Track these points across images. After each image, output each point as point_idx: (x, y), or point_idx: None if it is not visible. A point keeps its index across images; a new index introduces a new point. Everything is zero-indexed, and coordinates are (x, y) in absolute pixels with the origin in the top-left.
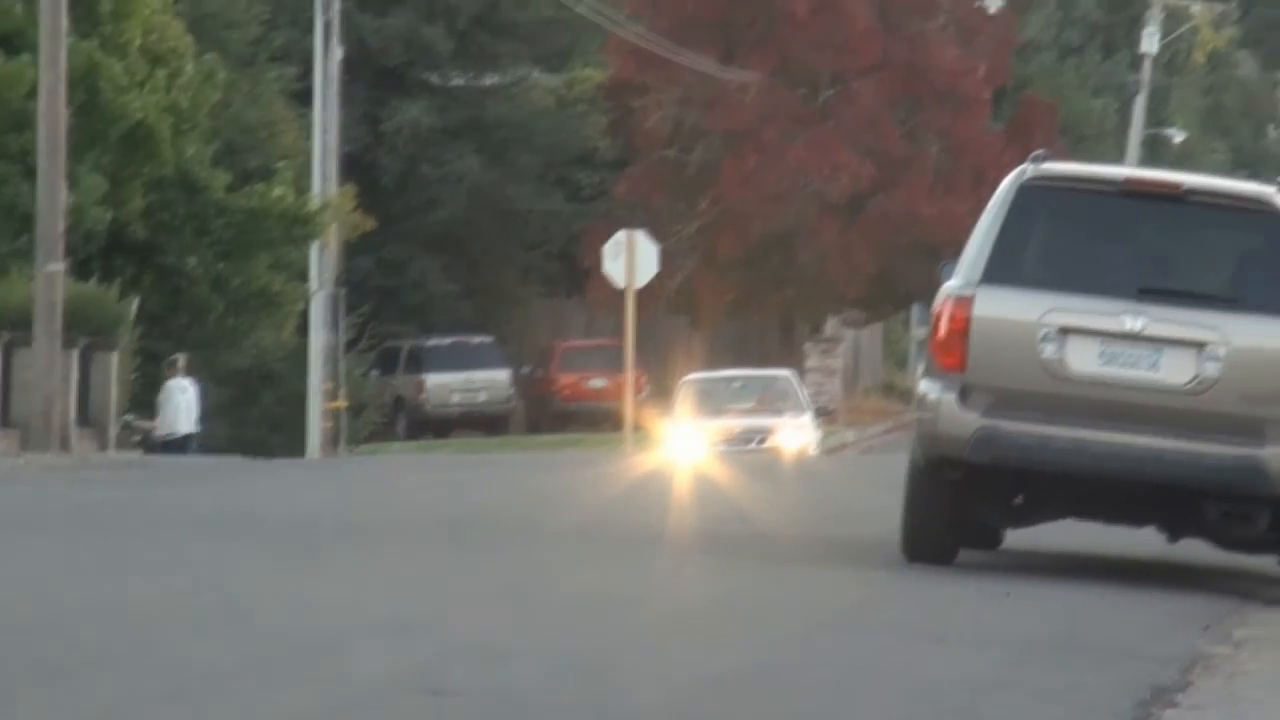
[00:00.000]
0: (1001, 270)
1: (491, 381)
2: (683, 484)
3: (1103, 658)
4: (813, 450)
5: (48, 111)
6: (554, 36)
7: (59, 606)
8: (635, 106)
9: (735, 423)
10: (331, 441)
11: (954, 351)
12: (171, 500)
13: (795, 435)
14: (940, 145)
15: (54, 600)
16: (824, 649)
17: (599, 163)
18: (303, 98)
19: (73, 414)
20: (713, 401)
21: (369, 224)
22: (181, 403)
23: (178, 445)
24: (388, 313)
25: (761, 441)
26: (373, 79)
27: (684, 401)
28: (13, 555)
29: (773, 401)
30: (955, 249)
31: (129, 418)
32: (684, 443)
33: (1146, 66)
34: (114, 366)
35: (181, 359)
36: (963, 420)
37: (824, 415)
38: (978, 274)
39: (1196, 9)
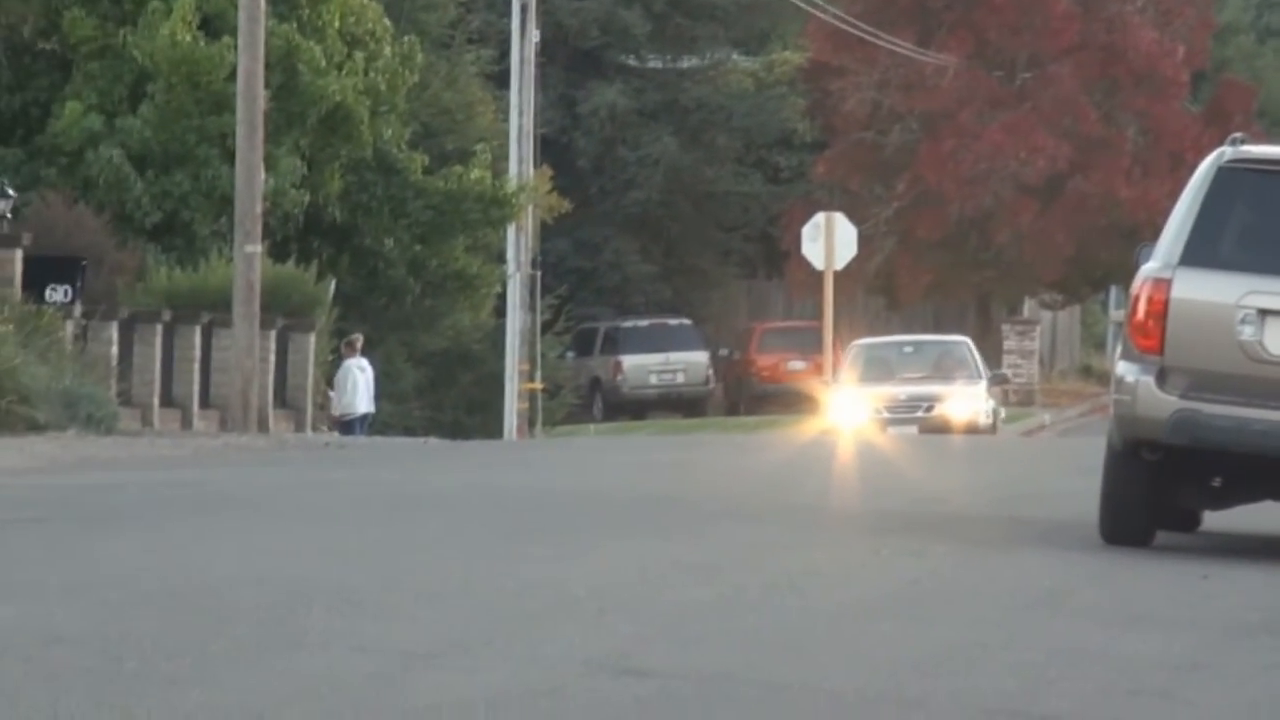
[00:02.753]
0: (1200, 252)
1: (689, 363)
2: (869, 461)
3: None
4: (983, 420)
5: (246, 94)
6: (752, 19)
7: (260, 587)
8: (833, 89)
9: (901, 389)
10: (528, 423)
11: (1152, 334)
12: (371, 481)
13: (965, 404)
14: (1138, 127)
15: (254, 581)
16: (1021, 630)
17: (798, 145)
18: (499, 80)
19: (270, 395)
20: (882, 367)
21: (565, 206)
22: (360, 381)
23: (354, 424)
24: (584, 294)
25: (929, 409)
26: (569, 62)
27: (852, 367)
28: (220, 538)
29: (946, 368)
30: (1153, 231)
31: (326, 397)
32: (847, 409)
33: None
34: (311, 348)
35: (360, 338)
36: (1161, 402)
37: (1001, 384)
38: (1176, 256)
39: None
